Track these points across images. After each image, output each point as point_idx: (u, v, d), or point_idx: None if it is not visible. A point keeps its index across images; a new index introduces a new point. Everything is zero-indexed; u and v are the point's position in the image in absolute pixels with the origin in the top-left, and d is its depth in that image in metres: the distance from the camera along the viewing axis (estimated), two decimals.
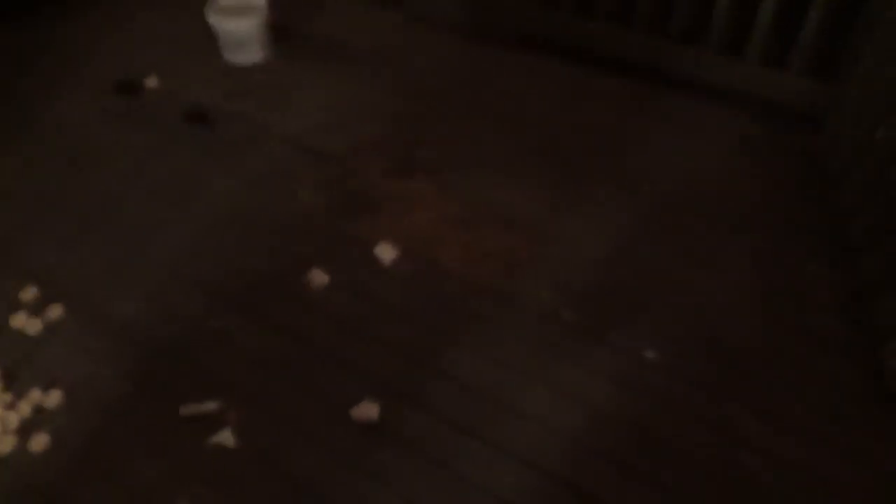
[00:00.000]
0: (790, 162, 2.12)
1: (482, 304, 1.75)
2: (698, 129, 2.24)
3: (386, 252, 1.84)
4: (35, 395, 1.59)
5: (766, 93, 2.22)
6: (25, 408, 1.57)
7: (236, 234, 1.94)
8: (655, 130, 2.24)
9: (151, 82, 2.47)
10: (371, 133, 2.25)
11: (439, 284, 1.80)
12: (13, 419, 1.55)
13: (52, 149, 2.24)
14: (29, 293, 1.80)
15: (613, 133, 2.24)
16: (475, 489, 1.42)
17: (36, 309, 1.77)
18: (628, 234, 1.91)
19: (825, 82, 2.10)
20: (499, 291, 1.78)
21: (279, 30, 2.60)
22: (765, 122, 2.24)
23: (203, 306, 1.76)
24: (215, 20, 2.45)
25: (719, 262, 1.83)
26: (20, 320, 1.75)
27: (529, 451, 1.47)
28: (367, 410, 1.51)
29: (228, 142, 2.24)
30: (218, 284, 1.81)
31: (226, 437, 1.49)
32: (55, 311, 1.76)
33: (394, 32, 2.69)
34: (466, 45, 2.61)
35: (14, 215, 2.03)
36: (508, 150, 2.18)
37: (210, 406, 1.55)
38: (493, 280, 1.80)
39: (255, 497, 1.42)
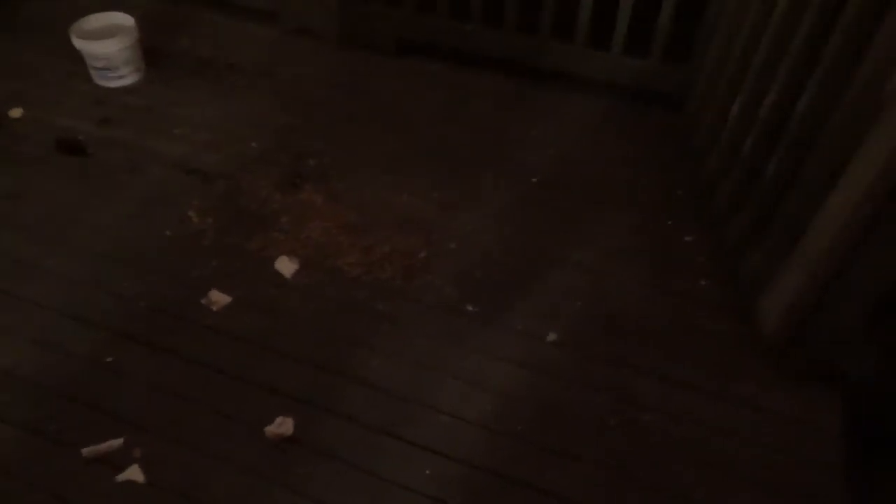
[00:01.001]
0: (658, 141, 2.28)
1: (387, 306, 1.78)
2: (573, 118, 2.36)
3: (286, 266, 1.84)
4: None
5: (631, 79, 2.37)
6: None
7: (125, 266, 1.87)
8: (534, 122, 2.34)
9: (15, 113, 2.33)
10: (256, 148, 2.23)
11: (343, 292, 1.81)
12: None
13: None
14: None
15: (495, 128, 2.33)
16: (395, 486, 1.45)
17: None
18: (517, 223, 2.00)
19: (683, 65, 2.27)
20: (401, 292, 1.81)
21: (150, 50, 2.52)
22: (632, 107, 2.40)
23: (96, 343, 1.69)
24: (80, 43, 2.35)
25: (603, 240, 1.95)
26: None
27: (446, 444, 1.51)
28: (282, 426, 1.50)
29: (107, 170, 2.15)
30: (110, 318, 1.74)
31: (134, 473, 1.44)
32: None
33: (270, 46, 2.67)
34: (345, 54, 2.63)
35: None
36: (396, 153, 2.22)
37: (114, 444, 1.49)
38: (395, 281, 1.83)
39: None
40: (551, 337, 1.71)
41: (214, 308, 1.75)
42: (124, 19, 2.42)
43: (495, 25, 2.44)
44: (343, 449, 1.50)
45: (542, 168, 2.17)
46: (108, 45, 2.34)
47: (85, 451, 1.47)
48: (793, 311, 1.55)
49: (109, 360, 1.66)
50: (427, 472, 1.47)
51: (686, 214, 2.03)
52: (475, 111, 2.40)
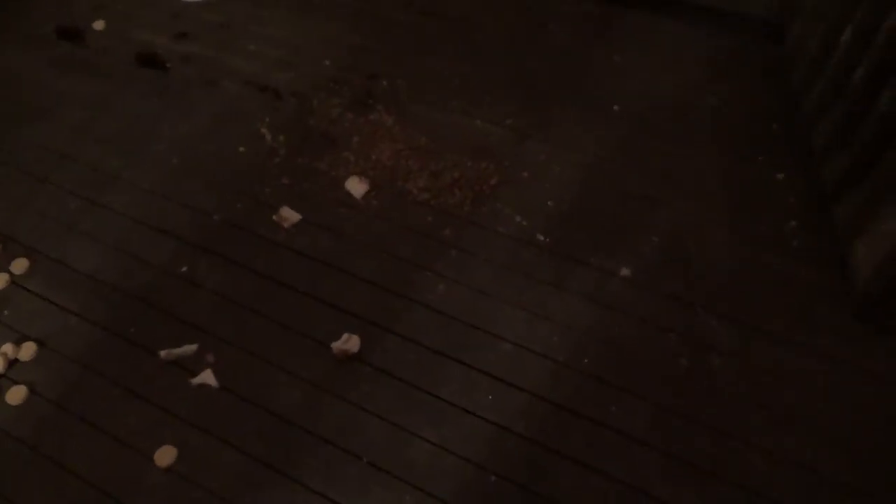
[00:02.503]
0: (752, 75, 2.12)
1: (454, 232, 1.75)
2: (661, 47, 2.22)
3: (356, 186, 1.82)
4: (7, 349, 1.57)
5: (727, 6, 2.19)
6: (0, 362, 1.55)
7: (199, 179, 1.90)
8: (618, 51, 2.21)
9: (98, 25, 2.36)
10: (329, 67, 2.19)
11: (411, 215, 1.79)
12: None
13: None
14: None
15: (575, 54, 2.21)
16: (457, 409, 1.45)
17: (1, 264, 1.73)
18: (595, 157, 1.91)
19: None
20: (469, 218, 1.78)
21: None
22: (726, 37, 2.23)
23: (170, 252, 1.74)
24: None
25: (686, 179, 1.85)
26: None
27: (508, 371, 1.50)
28: (348, 343, 1.52)
29: (183, 85, 2.17)
30: (184, 229, 1.78)
31: (208, 377, 1.50)
32: (20, 265, 1.73)
33: None
34: None
35: None
36: (470, 77, 2.15)
37: (189, 349, 1.54)
38: (464, 207, 1.80)
39: (242, 434, 1.44)
40: (624, 272, 1.65)
41: (285, 225, 1.76)
42: None
43: None
44: (406, 369, 1.51)
45: (625, 98, 2.06)
46: None
47: (162, 353, 1.53)
48: (892, 261, 1.44)
49: (184, 269, 1.70)
50: (489, 397, 1.47)
51: (779, 151, 1.89)
52: (554, 35, 2.28)
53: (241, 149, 1.97)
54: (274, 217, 1.78)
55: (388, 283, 1.66)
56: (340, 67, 2.19)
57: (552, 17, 2.35)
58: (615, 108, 2.03)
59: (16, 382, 1.53)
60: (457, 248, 1.72)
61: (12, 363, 1.56)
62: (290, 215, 1.77)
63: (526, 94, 2.09)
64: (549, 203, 1.80)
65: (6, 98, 2.15)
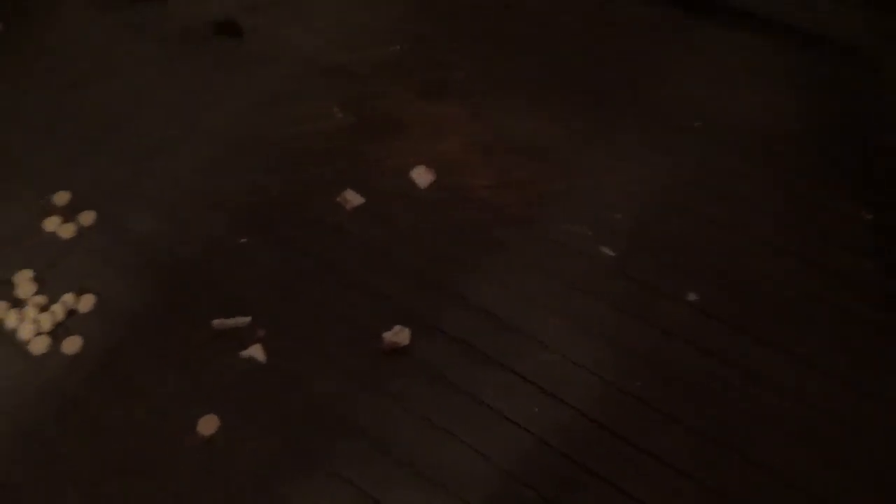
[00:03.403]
0: (830, 96, 2.02)
1: (511, 233, 1.72)
2: (734, 61, 2.12)
3: (421, 176, 1.81)
4: (69, 298, 1.62)
5: (808, 22, 2.08)
6: (59, 311, 1.59)
7: (261, 154, 1.91)
8: (689, 61, 2.13)
9: None
10: (398, 52, 2.16)
11: (470, 211, 1.77)
12: (47, 321, 1.58)
13: (64, 60, 2.18)
14: (63, 198, 1.81)
15: (644, 62, 2.14)
16: (501, 417, 1.43)
17: (69, 214, 1.78)
18: (661, 170, 1.85)
19: (881, 13, 1.96)
20: (528, 222, 1.74)
21: None
22: (805, 54, 2.12)
23: (224, 226, 1.75)
24: None
25: (753, 200, 1.78)
26: (53, 223, 1.75)
27: (551, 383, 1.48)
28: (399, 335, 1.51)
29: (249, 57, 2.17)
30: (240, 204, 1.80)
31: (256, 351, 1.51)
32: (88, 218, 1.77)
33: None
34: None
35: (25, 131, 1.98)
36: (539, 75, 2.09)
37: (242, 321, 1.56)
38: (524, 210, 1.77)
39: (279, 415, 1.45)
40: (690, 297, 1.60)
41: (347, 207, 1.76)
42: None
43: None
44: (450, 369, 1.50)
45: (694, 111, 1.98)
46: None
47: (215, 322, 1.55)
48: None
49: (242, 241, 1.72)
50: (531, 408, 1.45)
51: (865, 186, 1.80)
52: (627, 39, 2.21)
53: (308, 127, 1.97)
54: (337, 199, 1.78)
55: (441, 278, 1.65)
56: (410, 52, 2.17)
57: (622, 20, 2.28)
58: (694, 124, 1.95)
59: (72, 333, 1.57)
60: (514, 250, 1.70)
61: (71, 313, 1.61)
62: (353, 198, 1.77)
63: (596, 100, 2.04)
64: (615, 215, 1.75)
65: (77, 56, 2.18)
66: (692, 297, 1.60)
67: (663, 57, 2.15)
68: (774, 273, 1.65)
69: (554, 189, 1.81)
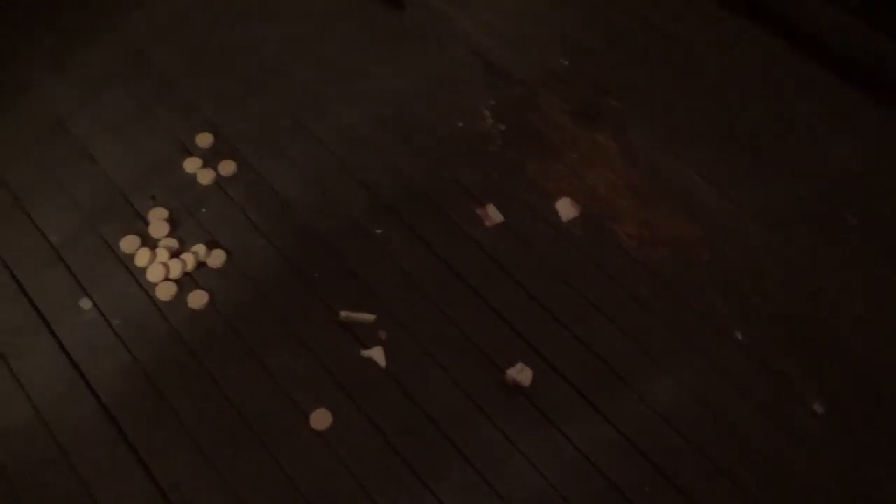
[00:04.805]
0: None
1: (648, 291, 1.66)
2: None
3: (566, 208, 1.75)
4: (200, 249, 1.60)
5: None
6: (190, 261, 1.58)
7: (409, 138, 1.86)
8: (869, 147, 2.01)
9: None
10: (558, 65, 2.07)
11: (608, 258, 1.71)
12: (177, 268, 1.57)
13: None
14: (206, 140, 1.78)
15: (819, 133, 2.02)
16: (593, 470, 1.40)
17: (210, 159, 1.75)
18: (822, 259, 1.75)
19: None
20: (666, 283, 1.68)
21: None
22: None
23: (364, 208, 1.71)
24: None
25: None
26: (194, 165, 1.73)
27: (636, 433, 1.45)
28: (521, 374, 1.48)
29: (411, 34, 2.09)
30: (383, 187, 1.75)
31: (378, 355, 1.49)
32: (228, 167, 1.74)
33: None
34: None
35: (178, 59, 1.95)
36: (700, 121, 1.99)
37: (368, 318, 1.53)
38: (665, 270, 1.70)
39: (390, 423, 1.43)
40: (817, 408, 1.53)
41: (487, 223, 1.72)
42: None
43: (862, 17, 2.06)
44: (564, 417, 1.46)
45: (853, 195, 1.86)
46: None
47: (343, 313, 1.53)
48: None
49: (378, 231, 1.68)
50: (646, 488, 1.41)
51: None
52: (794, 104, 2.08)
53: (460, 123, 1.91)
54: (478, 210, 1.73)
55: (569, 320, 1.60)
56: (570, 67, 2.08)
57: (801, 81, 2.15)
58: (855, 210, 1.82)
59: (199, 287, 1.56)
60: (647, 306, 1.64)
61: (200, 265, 1.59)
62: (494, 215, 1.72)
63: (755, 161, 1.93)
64: (757, 298, 1.68)
65: None
66: (818, 408, 1.53)
67: (840, 134, 2.02)
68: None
69: (700, 253, 1.74)
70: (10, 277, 1.56)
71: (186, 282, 1.57)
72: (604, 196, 1.81)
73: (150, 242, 1.61)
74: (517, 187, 1.80)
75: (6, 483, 1.35)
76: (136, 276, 1.57)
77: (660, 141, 1.94)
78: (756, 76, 2.15)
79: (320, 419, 1.40)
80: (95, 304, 1.53)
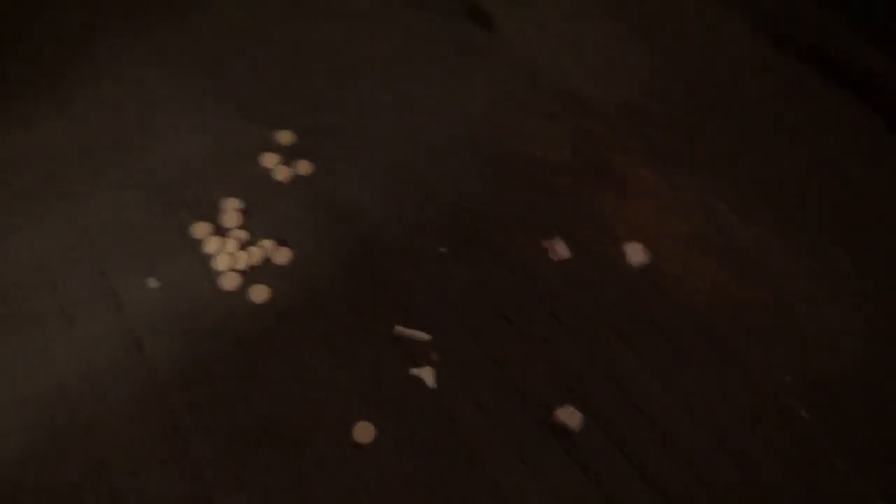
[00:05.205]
0: None
1: (708, 350, 1.61)
2: None
3: (636, 253, 1.71)
4: (267, 244, 1.62)
5: None
6: (257, 254, 1.60)
7: (478, 158, 1.85)
8: None
9: None
10: (644, 103, 2.04)
11: (672, 311, 1.66)
12: (243, 260, 1.59)
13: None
14: (287, 138, 1.81)
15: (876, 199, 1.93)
16: None
17: (288, 157, 1.78)
18: (885, 327, 1.67)
19: None
20: (735, 350, 1.62)
21: None
22: None
23: (430, 224, 1.71)
24: None
25: None
26: (272, 161, 1.76)
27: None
28: (571, 418, 1.45)
29: (488, 49, 2.09)
30: (454, 207, 1.75)
31: (427, 376, 1.48)
32: (305, 167, 1.76)
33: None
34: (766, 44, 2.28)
35: (274, 57, 1.99)
36: (784, 181, 1.92)
37: (422, 336, 1.53)
38: (733, 334, 1.64)
39: (430, 449, 1.42)
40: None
41: (553, 257, 1.69)
42: None
43: None
44: (601, 463, 1.42)
45: None
46: None
47: (397, 328, 1.53)
48: None
49: (442, 250, 1.68)
50: None
51: None
52: (869, 170, 1.99)
53: (537, 152, 1.89)
54: (545, 243, 1.71)
55: (626, 371, 1.56)
56: (658, 109, 2.04)
57: (871, 144, 2.06)
58: None
59: (262, 281, 1.58)
60: (704, 367, 1.59)
61: (265, 261, 1.61)
62: (562, 250, 1.69)
63: (832, 228, 1.86)
64: (823, 375, 1.61)
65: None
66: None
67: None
68: None
69: (769, 320, 1.67)
70: (89, 247, 1.61)
71: (250, 274, 1.59)
72: (676, 246, 1.77)
73: (220, 231, 1.64)
74: (586, 225, 1.77)
75: (53, 439, 1.38)
76: (203, 262, 1.60)
77: (741, 198, 1.88)
78: (843, 140, 2.07)
79: (363, 432, 1.39)
80: (162, 284, 1.57)
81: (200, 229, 1.63)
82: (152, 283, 1.56)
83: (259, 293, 1.55)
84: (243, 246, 1.61)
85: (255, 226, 1.67)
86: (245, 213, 1.68)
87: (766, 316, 1.68)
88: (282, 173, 1.74)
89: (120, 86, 1.91)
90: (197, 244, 1.63)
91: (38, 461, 1.35)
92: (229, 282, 1.56)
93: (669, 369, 1.58)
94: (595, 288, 1.67)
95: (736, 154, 1.98)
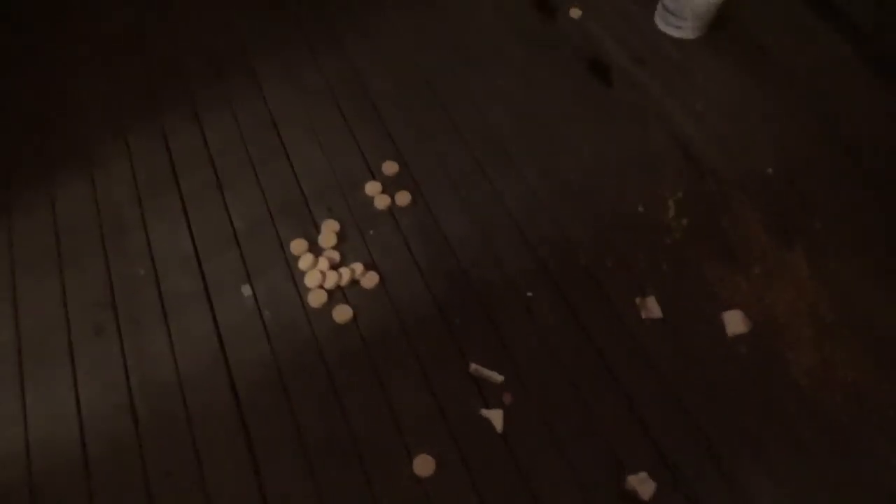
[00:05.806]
0: None
1: (817, 441, 1.46)
2: None
3: (735, 322, 1.60)
4: (357, 267, 1.65)
5: None
6: (346, 275, 1.63)
7: (584, 208, 1.81)
8: None
9: (575, 13, 2.35)
10: (761, 169, 1.94)
11: (772, 387, 1.53)
12: (332, 279, 1.63)
13: (444, 31, 2.23)
14: (391, 168, 1.86)
15: None
16: None
17: (390, 186, 1.82)
18: None
19: None
20: (843, 439, 1.47)
21: (720, 15, 2.32)
22: None
23: (524, 268, 1.69)
24: None
25: None
26: (374, 189, 1.81)
27: None
28: (643, 485, 1.35)
29: (616, 107, 2.07)
30: (547, 253, 1.72)
31: (496, 418, 1.43)
32: (404, 198, 1.80)
33: (829, 55, 2.25)
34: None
35: (388, 89, 2.05)
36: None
37: (497, 377, 1.49)
38: (840, 420, 1.49)
39: (490, 490, 1.36)
40: None
41: (643, 315, 1.62)
42: None
43: None
44: None
45: None
46: None
47: (473, 366, 1.50)
48: None
49: (530, 294, 1.64)
50: None
51: None
52: None
53: (640, 208, 1.83)
54: (637, 300, 1.64)
55: (712, 444, 1.44)
56: (775, 175, 1.93)
57: None
58: None
59: (347, 302, 1.61)
60: (807, 453, 1.44)
61: (354, 283, 1.64)
62: (653, 308, 1.62)
63: None
64: None
65: (466, 31, 2.22)
66: None
67: None
68: None
69: (883, 406, 1.51)
70: (192, 249, 1.70)
71: (337, 295, 1.63)
72: (781, 318, 1.64)
73: (315, 249, 1.69)
74: (686, 287, 1.68)
75: (135, 427, 1.44)
76: (295, 277, 1.65)
77: (857, 270, 1.73)
78: None
79: (424, 465, 1.36)
80: (254, 293, 1.63)
81: (298, 246, 1.69)
82: (246, 291, 1.62)
83: (342, 313, 1.58)
84: (334, 266, 1.65)
85: (349, 248, 1.71)
86: (341, 235, 1.73)
87: (882, 403, 1.51)
88: (381, 202, 1.78)
89: (258, 100, 2.04)
90: (293, 260, 1.68)
91: (115, 449, 1.42)
92: (316, 299, 1.60)
93: (768, 452, 1.44)
94: (686, 352, 1.57)
95: (862, 228, 1.83)
